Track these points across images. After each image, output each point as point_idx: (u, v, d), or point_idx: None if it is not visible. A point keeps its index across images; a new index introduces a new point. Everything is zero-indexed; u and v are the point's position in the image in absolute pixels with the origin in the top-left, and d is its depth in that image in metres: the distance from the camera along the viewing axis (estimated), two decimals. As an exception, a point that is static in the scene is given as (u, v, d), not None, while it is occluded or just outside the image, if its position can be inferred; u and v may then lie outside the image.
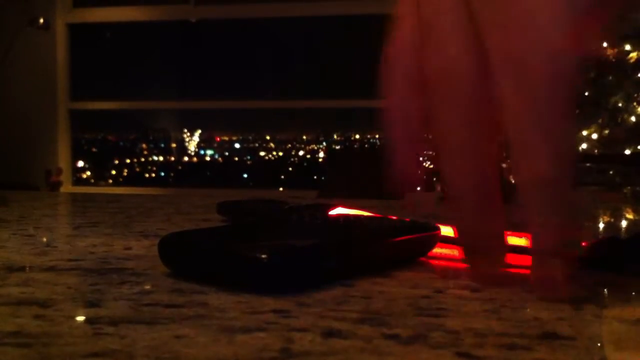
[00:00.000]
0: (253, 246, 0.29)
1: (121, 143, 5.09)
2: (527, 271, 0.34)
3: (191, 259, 0.30)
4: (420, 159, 0.34)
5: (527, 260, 0.36)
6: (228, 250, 0.29)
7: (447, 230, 0.39)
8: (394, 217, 0.41)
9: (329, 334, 0.22)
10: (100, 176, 4.76)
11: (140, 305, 0.25)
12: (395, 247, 0.34)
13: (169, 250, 0.31)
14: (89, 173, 4.67)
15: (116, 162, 4.89)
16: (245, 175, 4.95)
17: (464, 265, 0.35)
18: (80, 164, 4.53)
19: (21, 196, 0.80)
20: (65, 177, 4.06)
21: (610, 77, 3.19)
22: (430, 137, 0.33)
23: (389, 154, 0.33)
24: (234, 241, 0.32)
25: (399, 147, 0.33)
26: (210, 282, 0.28)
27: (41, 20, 3.62)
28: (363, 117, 4.41)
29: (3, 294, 0.27)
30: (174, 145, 4.96)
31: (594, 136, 3.18)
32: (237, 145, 4.93)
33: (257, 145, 4.92)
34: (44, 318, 0.23)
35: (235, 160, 4.91)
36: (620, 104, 3.14)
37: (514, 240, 0.37)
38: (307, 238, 0.32)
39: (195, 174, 4.96)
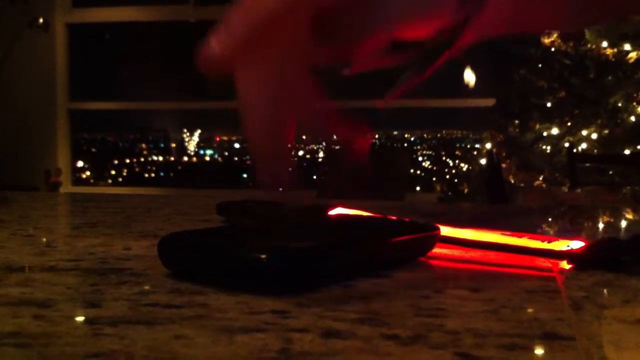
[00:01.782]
0: (252, 247, 0.29)
1: (120, 143, 5.09)
2: (524, 271, 0.34)
3: (190, 260, 0.30)
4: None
5: (524, 260, 0.36)
6: (227, 250, 0.29)
7: (447, 231, 0.39)
8: (394, 218, 0.41)
9: (329, 334, 0.22)
10: (99, 176, 4.76)
11: (140, 306, 0.25)
12: (395, 248, 0.34)
13: (168, 251, 0.31)
14: (88, 173, 4.67)
15: (116, 162, 4.89)
16: (245, 175, 4.95)
17: (462, 265, 0.35)
18: (80, 164, 4.53)
19: (21, 196, 0.80)
20: (65, 178, 4.06)
21: (610, 77, 3.19)
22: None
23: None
24: (234, 242, 0.32)
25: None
26: (210, 283, 0.28)
27: (41, 21, 3.62)
28: (362, 117, 4.40)
29: (3, 294, 0.27)
30: (173, 145, 4.95)
31: (594, 136, 3.18)
32: (236, 145, 4.93)
33: (256, 145, 4.92)
34: (43, 318, 0.23)
35: (235, 160, 4.91)
36: (619, 104, 3.14)
37: (512, 240, 0.37)
38: (306, 238, 0.32)
39: (194, 174, 4.96)
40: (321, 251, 0.30)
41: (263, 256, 0.27)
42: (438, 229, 0.37)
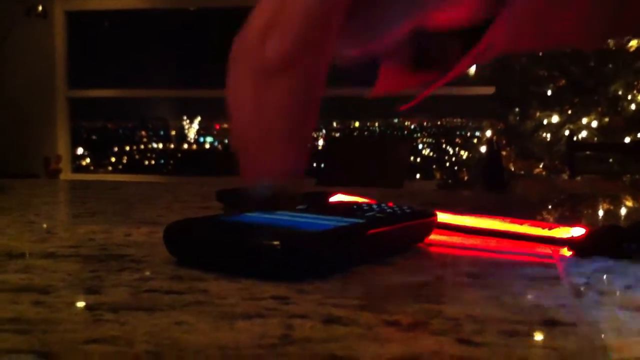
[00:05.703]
0: (264, 233, 0.29)
1: (120, 130, 5.09)
2: (524, 257, 0.34)
3: (200, 247, 0.30)
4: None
5: (525, 247, 0.36)
6: (239, 237, 0.29)
7: (447, 218, 0.39)
8: (391, 204, 0.41)
9: (329, 320, 0.22)
10: (99, 164, 4.76)
11: (140, 292, 0.25)
12: (394, 234, 0.34)
13: (175, 238, 0.31)
14: (88, 160, 4.68)
15: (115, 149, 4.89)
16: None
17: (463, 252, 0.35)
18: (80, 151, 4.53)
19: (20, 184, 0.80)
20: (65, 165, 4.06)
21: (610, 66, 3.19)
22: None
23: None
24: (244, 229, 0.31)
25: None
26: (211, 269, 0.28)
27: (39, 8, 3.61)
28: (362, 105, 4.41)
29: (3, 281, 0.27)
30: (173, 132, 4.95)
31: (594, 124, 3.18)
32: (236, 133, 4.92)
33: (256, 133, 4.91)
34: (43, 304, 0.23)
35: (234, 148, 4.90)
36: (619, 92, 3.14)
37: (513, 227, 0.37)
38: (309, 226, 0.31)
39: (194, 162, 4.96)
40: (330, 238, 0.30)
41: (276, 243, 0.27)
42: (435, 215, 0.37)
